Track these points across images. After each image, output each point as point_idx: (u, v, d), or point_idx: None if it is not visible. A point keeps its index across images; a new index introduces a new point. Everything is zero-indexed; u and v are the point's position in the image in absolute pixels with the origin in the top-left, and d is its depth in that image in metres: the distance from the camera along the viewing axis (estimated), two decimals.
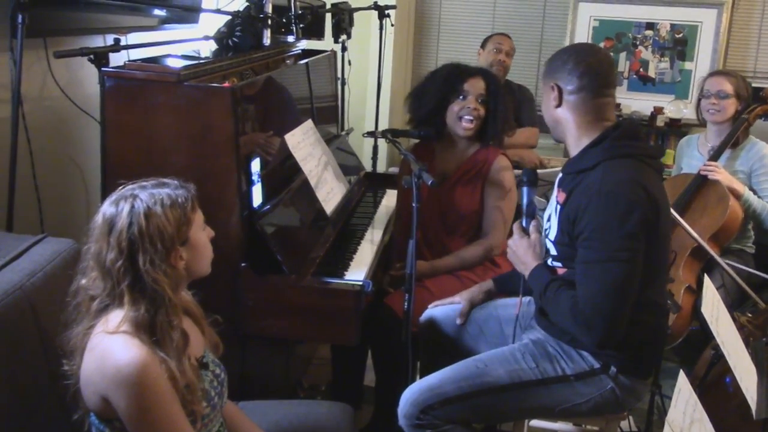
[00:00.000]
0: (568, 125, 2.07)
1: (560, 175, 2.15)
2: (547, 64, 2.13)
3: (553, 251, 2.11)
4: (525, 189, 2.22)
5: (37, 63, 2.38)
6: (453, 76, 2.77)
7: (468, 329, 2.45)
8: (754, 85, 3.42)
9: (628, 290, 1.90)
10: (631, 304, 1.92)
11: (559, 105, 2.06)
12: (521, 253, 2.14)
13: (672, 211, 2.84)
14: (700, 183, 3.16)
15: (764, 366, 2.03)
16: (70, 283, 1.60)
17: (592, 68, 2.03)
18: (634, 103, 4.72)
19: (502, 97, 2.77)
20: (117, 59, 2.32)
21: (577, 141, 2.07)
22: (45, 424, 1.70)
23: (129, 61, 2.32)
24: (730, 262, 3.08)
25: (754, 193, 3.19)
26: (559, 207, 2.07)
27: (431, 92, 2.79)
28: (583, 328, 1.92)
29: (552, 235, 2.11)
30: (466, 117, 2.72)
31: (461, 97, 2.73)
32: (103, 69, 2.18)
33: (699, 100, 3.38)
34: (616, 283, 1.88)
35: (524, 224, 2.19)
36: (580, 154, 2.05)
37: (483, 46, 4.19)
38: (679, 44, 4.69)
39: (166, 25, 3.11)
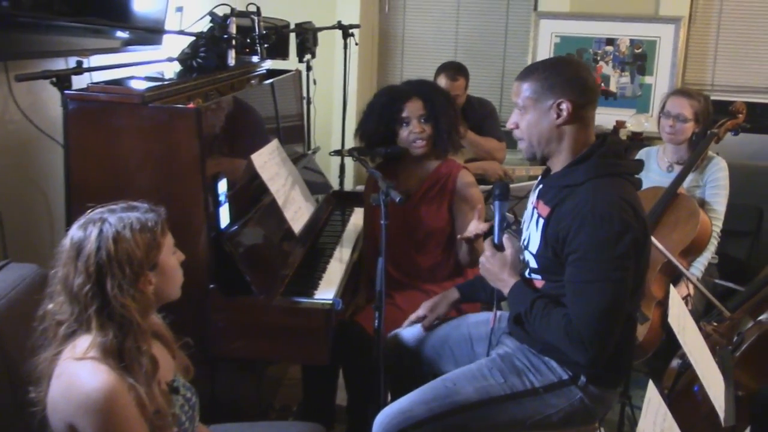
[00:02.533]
0: (569, 141, 2.03)
1: (540, 186, 2.15)
2: (542, 81, 2.02)
3: (533, 264, 2.10)
4: (497, 203, 2.22)
5: None
6: (389, 105, 2.76)
7: (433, 345, 2.44)
8: (712, 98, 3.48)
9: (621, 309, 1.92)
10: (622, 319, 1.94)
11: (568, 121, 2.00)
12: (497, 270, 2.13)
13: None
14: (671, 198, 3.20)
15: (730, 374, 2.06)
16: (35, 309, 1.58)
17: (593, 81, 2.06)
18: (597, 117, 4.71)
19: (443, 110, 2.76)
20: (80, 82, 2.30)
21: (568, 156, 2.04)
22: None
23: (92, 83, 2.30)
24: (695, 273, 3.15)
25: (704, 205, 3.25)
26: (542, 221, 2.05)
27: (375, 125, 2.78)
28: (578, 347, 1.93)
29: (533, 247, 2.09)
30: (415, 140, 2.74)
31: (404, 123, 2.75)
32: (65, 92, 2.16)
33: (660, 116, 3.44)
34: (611, 303, 1.90)
35: (496, 240, 2.19)
36: (566, 170, 2.04)
37: (435, 77, 4.09)
38: (639, 59, 4.78)
39: (130, 47, 3.09)
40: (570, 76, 2.01)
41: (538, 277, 2.10)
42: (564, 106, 1.99)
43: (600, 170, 1.98)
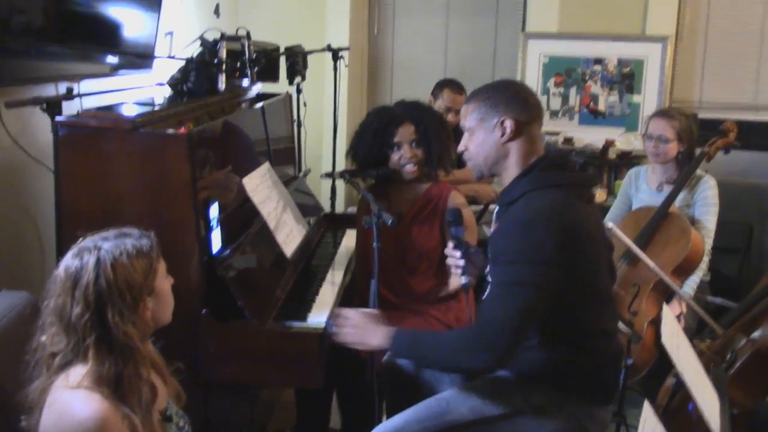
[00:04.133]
0: (515, 158, 2.09)
1: (497, 208, 2.20)
2: (484, 102, 2.10)
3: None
4: (452, 229, 2.27)
5: None
6: (381, 130, 2.77)
7: (437, 373, 2.41)
8: (700, 115, 3.52)
9: (534, 314, 1.93)
10: (533, 325, 1.96)
11: (512, 138, 2.07)
12: (372, 327, 2.10)
13: (633, 246, 2.90)
14: (662, 216, 3.22)
15: (725, 392, 2.06)
16: (26, 337, 1.56)
17: (536, 101, 2.13)
18: (586, 136, 4.80)
19: (434, 133, 2.77)
20: (70, 107, 2.30)
21: (515, 173, 2.10)
22: None
23: (82, 109, 2.30)
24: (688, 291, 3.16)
25: (694, 223, 3.27)
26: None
27: (366, 148, 2.79)
28: (482, 350, 1.91)
29: (488, 268, 2.13)
30: (406, 165, 2.75)
31: (396, 147, 2.76)
32: (56, 118, 2.15)
33: (643, 137, 3.47)
34: (523, 307, 1.91)
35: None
36: (510, 186, 2.10)
37: (434, 95, 4.16)
38: (627, 78, 4.81)
39: (120, 72, 3.10)
40: (511, 96, 2.09)
41: None
42: (507, 123, 2.06)
43: (537, 183, 2.03)
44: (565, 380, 2.07)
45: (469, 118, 2.13)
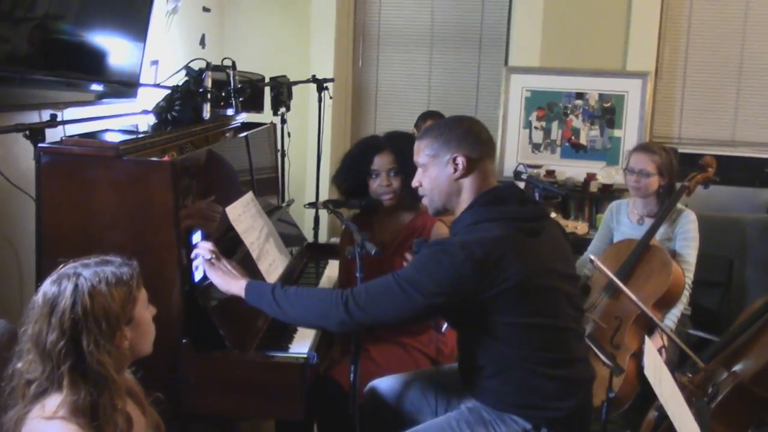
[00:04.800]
0: (467, 193, 2.13)
1: None
2: (435, 139, 2.14)
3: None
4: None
5: None
6: (360, 157, 2.82)
7: (411, 399, 2.42)
8: (680, 150, 3.56)
9: (402, 317, 2.02)
10: (390, 327, 2.12)
11: (464, 174, 2.11)
12: (227, 277, 2.20)
13: (614, 278, 2.91)
14: (643, 249, 3.23)
15: (707, 425, 2.06)
16: (2, 364, 1.54)
17: (488, 135, 2.17)
18: (568, 169, 4.84)
19: (413, 164, 2.80)
20: (53, 135, 2.29)
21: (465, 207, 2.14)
22: None
23: (66, 136, 2.29)
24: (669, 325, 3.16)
25: (675, 256, 3.29)
26: None
27: (347, 175, 2.85)
28: (338, 305, 2.00)
29: None
30: (383, 193, 2.77)
31: (374, 175, 2.78)
32: (39, 145, 2.14)
33: (625, 171, 3.51)
34: (398, 305, 1.97)
35: None
36: (456, 219, 2.15)
37: (417, 126, 4.23)
38: (608, 113, 4.87)
39: (104, 100, 3.10)
40: (463, 132, 2.13)
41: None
42: (459, 160, 2.10)
43: (476, 217, 2.07)
44: (533, 410, 2.08)
45: (422, 154, 2.17)
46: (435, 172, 2.14)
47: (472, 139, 2.12)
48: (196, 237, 2.30)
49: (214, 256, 2.23)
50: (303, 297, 2.10)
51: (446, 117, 2.24)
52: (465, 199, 2.13)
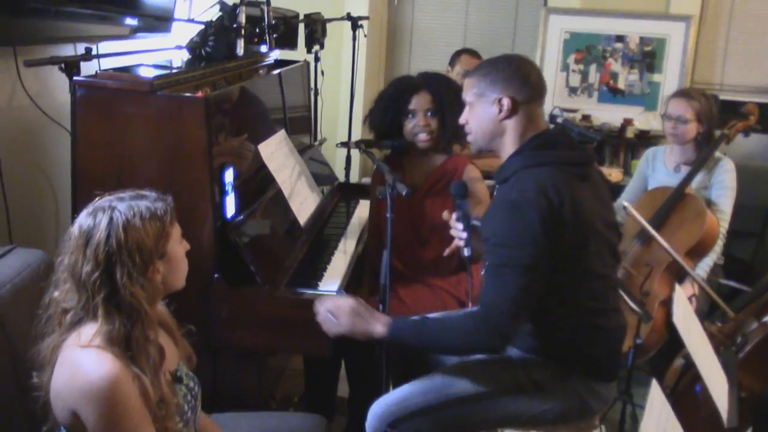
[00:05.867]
0: (511, 136, 2.09)
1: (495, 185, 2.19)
2: (483, 77, 2.10)
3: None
4: (457, 202, 2.26)
5: (6, 72, 2.35)
6: (397, 97, 2.77)
7: None
8: (721, 97, 3.47)
9: (529, 294, 1.94)
10: (533, 305, 1.96)
11: (508, 116, 2.07)
12: (367, 316, 2.08)
13: (647, 225, 2.88)
14: (678, 198, 3.19)
15: (734, 375, 2.06)
16: (40, 295, 1.58)
17: (538, 78, 2.10)
18: (604, 114, 4.76)
19: (450, 106, 2.75)
20: (88, 68, 2.30)
21: (511, 150, 2.10)
22: None
23: (100, 70, 2.30)
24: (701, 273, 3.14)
25: (710, 205, 3.24)
26: None
27: (382, 115, 2.79)
28: (484, 328, 1.93)
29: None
30: (419, 134, 2.74)
31: (410, 115, 2.74)
32: (74, 78, 2.16)
33: (663, 118, 3.44)
34: (517, 287, 1.92)
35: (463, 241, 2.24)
36: (504, 164, 2.10)
37: (451, 63, 4.16)
38: (648, 57, 4.75)
39: (138, 34, 3.08)
40: (510, 73, 2.07)
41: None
42: (504, 101, 2.05)
43: (528, 162, 2.03)
44: (565, 357, 2.09)
45: (469, 93, 2.13)
46: (480, 112, 2.10)
47: (519, 80, 2.06)
48: (229, 174, 2.31)
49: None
50: (441, 335, 2.03)
51: (499, 55, 2.18)
52: (508, 142, 2.09)
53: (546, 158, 2.03)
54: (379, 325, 2.05)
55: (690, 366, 2.32)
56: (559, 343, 2.09)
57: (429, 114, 2.74)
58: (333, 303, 2.12)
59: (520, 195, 1.94)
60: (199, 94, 2.34)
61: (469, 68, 3.99)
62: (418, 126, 2.73)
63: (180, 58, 2.81)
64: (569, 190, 1.97)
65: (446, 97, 2.75)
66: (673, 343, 2.84)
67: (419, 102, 2.74)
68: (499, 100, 2.06)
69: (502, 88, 2.06)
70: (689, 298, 2.95)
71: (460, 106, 2.79)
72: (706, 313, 3.12)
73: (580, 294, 2.06)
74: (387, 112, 2.77)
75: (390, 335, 2.03)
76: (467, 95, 2.14)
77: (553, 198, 1.93)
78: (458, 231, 2.27)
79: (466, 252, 2.25)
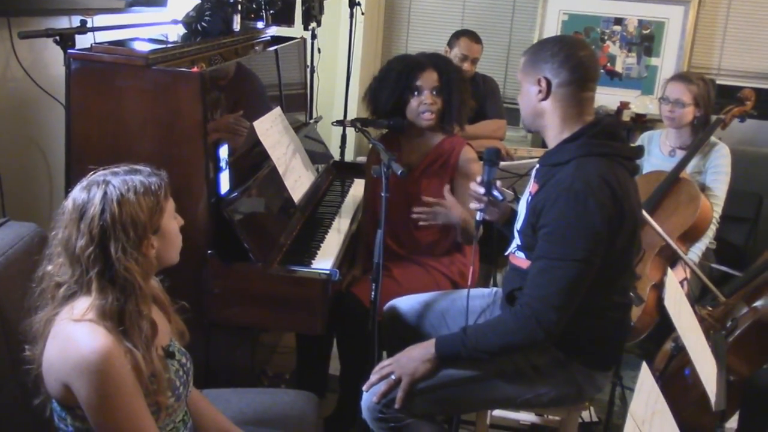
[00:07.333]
0: (551, 118, 2.05)
1: (537, 166, 2.15)
2: (530, 56, 2.08)
3: (518, 241, 2.12)
4: (486, 167, 2.24)
5: (0, 44, 2.33)
6: (405, 73, 2.75)
7: (430, 320, 2.44)
8: (718, 82, 3.47)
9: (580, 288, 1.92)
10: (581, 299, 1.93)
11: (545, 98, 2.03)
12: (416, 353, 2.08)
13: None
14: (673, 182, 3.20)
15: (723, 358, 2.07)
16: (33, 268, 1.57)
17: (582, 62, 2.03)
18: (601, 97, 4.75)
19: (456, 85, 2.76)
20: (83, 41, 2.28)
21: (558, 134, 2.05)
22: (6, 408, 1.68)
23: (95, 43, 2.28)
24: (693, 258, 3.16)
25: (704, 190, 3.25)
26: (530, 197, 2.07)
27: (386, 91, 2.77)
28: (532, 328, 1.91)
29: (519, 224, 2.12)
30: (425, 111, 2.73)
31: (416, 92, 2.73)
32: (69, 51, 2.14)
33: (660, 101, 3.44)
34: (570, 281, 1.89)
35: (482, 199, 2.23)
36: (557, 148, 2.05)
37: (450, 44, 4.12)
38: (646, 40, 4.74)
39: (134, 8, 3.06)
40: (551, 54, 2.03)
41: (522, 255, 2.10)
42: (543, 83, 2.02)
43: (587, 150, 1.98)
44: (572, 345, 2.07)
45: (520, 70, 2.12)
46: (525, 89, 2.09)
47: (559, 62, 2.01)
48: (223, 150, 2.30)
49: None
50: (490, 335, 2.01)
51: (554, 35, 2.14)
52: (549, 125, 2.06)
53: (605, 149, 1.99)
54: (429, 349, 2.05)
55: (680, 349, 2.33)
56: (571, 331, 2.01)
57: (435, 92, 2.73)
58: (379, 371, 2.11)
59: (585, 185, 1.89)
60: (195, 69, 2.32)
61: (469, 53, 3.99)
62: (425, 104, 2.72)
63: (176, 33, 2.78)
64: (622, 185, 1.95)
65: (452, 76, 2.75)
66: (664, 326, 2.86)
67: (426, 79, 2.73)
68: (539, 81, 2.03)
69: (541, 68, 2.03)
70: (681, 282, 2.96)
71: (464, 87, 2.80)
72: (698, 297, 3.13)
73: (613, 289, 2.05)
74: (394, 88, 2.75)
75: (438, 353, 2.04)
76: (519, 72, 2.13)
77: (617, 191, 1.91)
78: (478, 194, 2.24)
79: (477, 216, 2.23)
